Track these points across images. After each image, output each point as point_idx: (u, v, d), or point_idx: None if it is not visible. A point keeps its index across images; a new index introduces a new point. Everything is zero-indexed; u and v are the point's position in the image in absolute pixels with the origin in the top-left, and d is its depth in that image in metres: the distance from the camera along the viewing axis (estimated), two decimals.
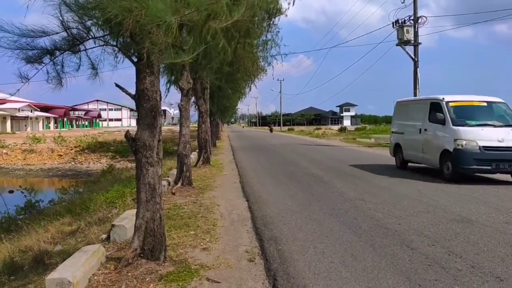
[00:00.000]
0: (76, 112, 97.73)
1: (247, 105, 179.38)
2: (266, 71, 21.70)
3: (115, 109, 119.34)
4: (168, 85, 15.26)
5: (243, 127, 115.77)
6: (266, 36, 17.31)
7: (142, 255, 4.46)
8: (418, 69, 22.17)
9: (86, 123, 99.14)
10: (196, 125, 17.29)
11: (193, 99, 14.96)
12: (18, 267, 5.95)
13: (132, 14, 3.52)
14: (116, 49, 4.51)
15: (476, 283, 3.91)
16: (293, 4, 11.30)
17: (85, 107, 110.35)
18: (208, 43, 6.67)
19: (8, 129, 61.95)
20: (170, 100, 28.83)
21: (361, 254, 4.81)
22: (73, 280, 3.65)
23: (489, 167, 9.65)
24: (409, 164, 12.91)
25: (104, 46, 4.44)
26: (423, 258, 4.61)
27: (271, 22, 14.57)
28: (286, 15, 12.44)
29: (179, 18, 3.79)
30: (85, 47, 4.43)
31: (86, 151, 33.36)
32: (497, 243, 5.11)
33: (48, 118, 77.89)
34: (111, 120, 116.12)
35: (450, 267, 4.33)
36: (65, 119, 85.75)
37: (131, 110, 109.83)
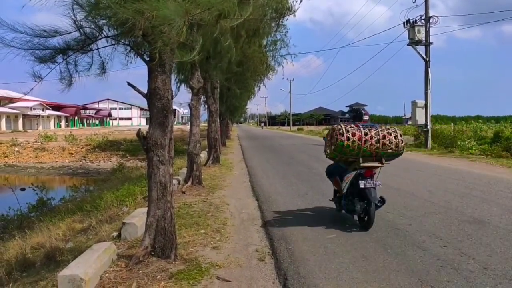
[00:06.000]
0: (87, 111, 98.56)
1: (257, 105, 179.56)
2: (275, 70, 21.76)
3: (125, 108, 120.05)
4: (178, 84, 15.37)
5: (262, 127, 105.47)
6: (275, 36, 17.36)
7: (153, 253, 4.49)
8: (429, 69, 21.98)
9: (97, 122, 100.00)
10: (206, 125, 17.35)
11: (203, 98, 15.03)
12: (30, 263, 6.02)
13: (143, 16, 3.54)
14: (128, 48, 4.55)
15: (489, 285, 3.87)
16: (300, 2, 11.24)
17: (96, 106, 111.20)
18: (218, 42, 6.70)
19: (20, 127, 62.75)
20: (180, 100, 28.98)
21: (372, 255, 4.78)
22: (85, 277, 3.69)
23: None
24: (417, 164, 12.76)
25: (117, 45, 4.48)
26: (435, 259, 4.56)
27: (280, 22, 14.55)
28: (295, 15, 12.42)
29: (190, 18, 3.81)
30: (97, 46, 4.48)
31: (96, 149, 33.64)
32: (510, 245, 5.04)
33: (59, 116, 78.74)
34: (121, 119, 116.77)
35: (462, 268, 4.28)
36: (76, 117, 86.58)
37: (141, 109, 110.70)
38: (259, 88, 26.07)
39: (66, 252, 5.64)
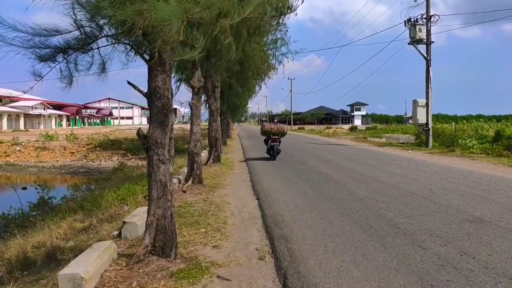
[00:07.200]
0: (88, 110, 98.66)
1: (257, 104, 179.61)
2: (276, 69, 21.79)
3: (126, 107, 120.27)
4: (178, 83, 15.37)
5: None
6: (275, 34, 17.37)
7: (153, 252, 4.49)
8: (430, 68, 21.95)
9: (98, 121, 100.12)
10: (207, 124, 17.36)
11: (204, 97, 15.02)
12: (31, 262, 6.04)
13: (142, 17, 3.54)
14: (128, 47, 4.54)
15: (489, 284, 3.87)
16: (302, 2, 11.20)
17: (97, 105, 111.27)
18: (218, 40, 6.69)
19: (22, 126, 62.86)
20: (181, 99, 29.00)
21: (372, 254, 4.78)
22: (85, 276, 3.69)
23: None
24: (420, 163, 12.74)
25: (117, 44, 4.48)
26: (435, 258, 4.56)
27: (281, 21, 14.54)
28: (296, 14, 12.41)
29: (190, 16, 3.80)
30: (97, 45, 4.47)
31: (97, 149, 33.68)
32: (511, 244, 5.03)
33: (60, 116, 78.84)
34: (122, 118, 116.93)
35: (462, 267, 4.28)
36: (77, 117, 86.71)
37: (142, 108, 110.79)
38: (260, 87, 26.14)
39: (66, 251, 5.65)
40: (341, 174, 11.71)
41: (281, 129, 15.81)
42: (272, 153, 15.97)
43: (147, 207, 4.70)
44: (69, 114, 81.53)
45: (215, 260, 4.68)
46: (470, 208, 6.99)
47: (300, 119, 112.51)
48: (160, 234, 4.51)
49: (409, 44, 22.48)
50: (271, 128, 15.65)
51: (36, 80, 4.42)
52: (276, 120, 17.66)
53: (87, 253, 4.26)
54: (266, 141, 16.34)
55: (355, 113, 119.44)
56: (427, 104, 22.26)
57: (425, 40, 21.99)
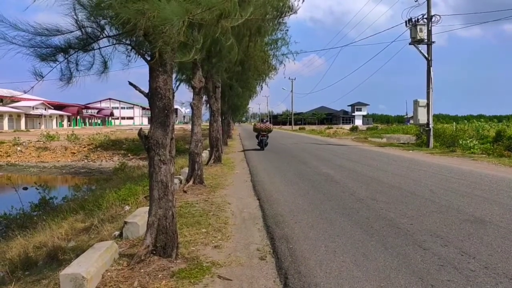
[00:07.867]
0: (89, 111, 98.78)
1: (258, 104, 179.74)
2: (277, 69, 21.86)
3: (127, 108, 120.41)
4: (178, 83, 15.36)
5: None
6: (276, 34, 17.36)
7: (154, 252, 4.50)
8: (431, 68, 21.94)
9: (99, 121, 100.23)
10: (208, 124, 17.37)
11: (204, 98, 15.02)
12: (33, 262, 6.06)
13: (144, 16, 3.55)
14: (129, 47, 4.55)
15: (489, 284, 3.87)
16: (303, 1, 11.18)
17: (98, 105, 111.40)
18: (219, 41, 6.71)
19: (23, 126, 62.94)
20: (182, 99, 29.11)
21: (372, 254, 4.79)
22: (86, 276, 3.70)
23: None
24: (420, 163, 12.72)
25: (118, 44, 4.49)
26: (435, 259, 4.57)
27: (281, 21, 14.54)
28: (296, 13, 12.39)
29: (191, 17, 3.81)
30: (98, 45, 4.48)
31: (98, 149, 33.73)
32: (511, 244, 5.04)
33: (61, 116, 78.95)
34: (123, 118, 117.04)
35: (463, 267, 4.29)
36: (78, 117, 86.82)
37: (143, 108, 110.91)
38: (261, 87, 26.11)
39: (68, 251, 5.67)
40: (342, 175, 11.71)
41: (268, 127, 21.90)
42: (261, 145, 21.69)
43: (148, 207, 4.71)
44: (70, 114, 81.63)
45: (216, 260, 4.70)
46: (470, 209, 7.00)
47: (301, 119, 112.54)
48: (161, 234, 4.53)
49: (410, 44, 22.48)
50: (260, 126, 21.89)
51: (37, 80, 4.43)
52: (265, 121, 24.25)
53: (89, 253, 4.27)
54: (257, 137, 22.33)
55: (356, 113, 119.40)
56: (428, 104, 22.25)
57: (426, 40, 21.98)
